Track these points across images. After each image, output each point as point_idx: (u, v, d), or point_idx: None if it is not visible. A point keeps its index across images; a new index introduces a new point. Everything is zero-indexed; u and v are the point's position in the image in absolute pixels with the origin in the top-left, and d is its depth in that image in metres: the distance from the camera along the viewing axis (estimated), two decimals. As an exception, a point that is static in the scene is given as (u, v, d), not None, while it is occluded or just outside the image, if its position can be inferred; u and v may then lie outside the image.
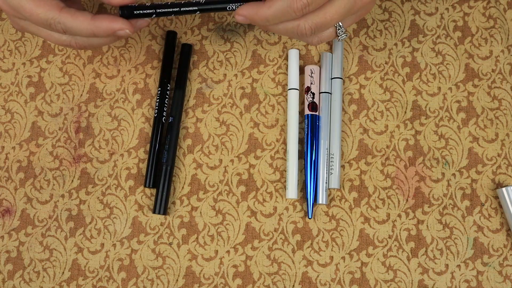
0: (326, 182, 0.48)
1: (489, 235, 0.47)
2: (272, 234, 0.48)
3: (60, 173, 0.50)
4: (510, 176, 0.48)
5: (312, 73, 0.50)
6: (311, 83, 0.50)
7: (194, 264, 0.48)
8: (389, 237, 0.48)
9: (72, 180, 0.50)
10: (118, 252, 0.48)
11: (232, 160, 0.50)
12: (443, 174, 0.49)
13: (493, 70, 0.51)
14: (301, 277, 0.47)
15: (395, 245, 0.47)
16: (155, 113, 0.50)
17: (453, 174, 0.49)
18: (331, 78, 0.50)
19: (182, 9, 0.43)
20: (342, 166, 0.49)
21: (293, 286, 0.47)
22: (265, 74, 0.52)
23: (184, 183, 0.50)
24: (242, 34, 0.53)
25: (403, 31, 0.52)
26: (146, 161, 0.50)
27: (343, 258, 0.47)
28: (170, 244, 0.48)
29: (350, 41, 0.52)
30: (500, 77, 0.50)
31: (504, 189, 0.46)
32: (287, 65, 0.51)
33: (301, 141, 0.50)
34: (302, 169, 0.49)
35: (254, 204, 0.49)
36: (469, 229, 0.47)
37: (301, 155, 0.49)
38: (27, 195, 0.50)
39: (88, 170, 0.50)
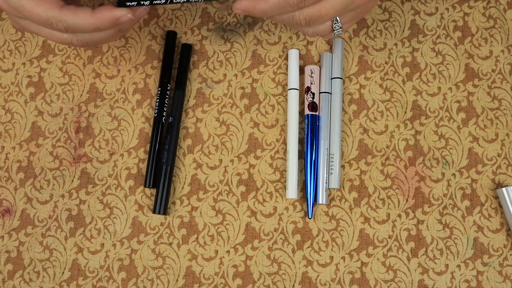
0: (326, 182, 0.48)
1: (489, 235, 0.47)
2: (272, 234, 0.48)
3: (60, 173, 0.50)
4: (510, 176, 0.48)
5: (312, 73, 0.50)
6: (311, 83, 0.50)
7: (194, 264, 0.48)
8: (389, 237, 0.48)
9: (72, 180, 0.50)
10: (118, 252, 0.48)
11: (232, 160, 0.50)
12: (443, 174, 0.49)
13: (493, 70, 0.51)
14: (301, 277, 0.47)
15: (395, 245, 0.47)
16: (155, 113, 0.50)
17: (453, 174, 0.49)
18: (331, 78, 0.50)
19: None
20: (342, 166, 0.49)
21: (293, 286, 0.47)
22: (265, 74, 0.52)
23: (184, 183, 0.50)
24: (242, 34, 0.53)
25: (403, 31, 0.52)
26: (146, 161, 0.50)
27: (343, 258, 0.47)
28: (170, 244, 0.48)
29: (350, 41, 0.52)
30: (500, 77, 0.50)
31: (504, 189, 0.46)
32: (287, 65, 0.51)
33: (301, 141, 0.50)
34: (302, 169, 0.49)
35: (254, 204, 0.49)
36: (469, 229, 0.47)
37: (301, 155, 0.49)
38: (27, 195, 0.50)
39: (88, 170, 0.50)
